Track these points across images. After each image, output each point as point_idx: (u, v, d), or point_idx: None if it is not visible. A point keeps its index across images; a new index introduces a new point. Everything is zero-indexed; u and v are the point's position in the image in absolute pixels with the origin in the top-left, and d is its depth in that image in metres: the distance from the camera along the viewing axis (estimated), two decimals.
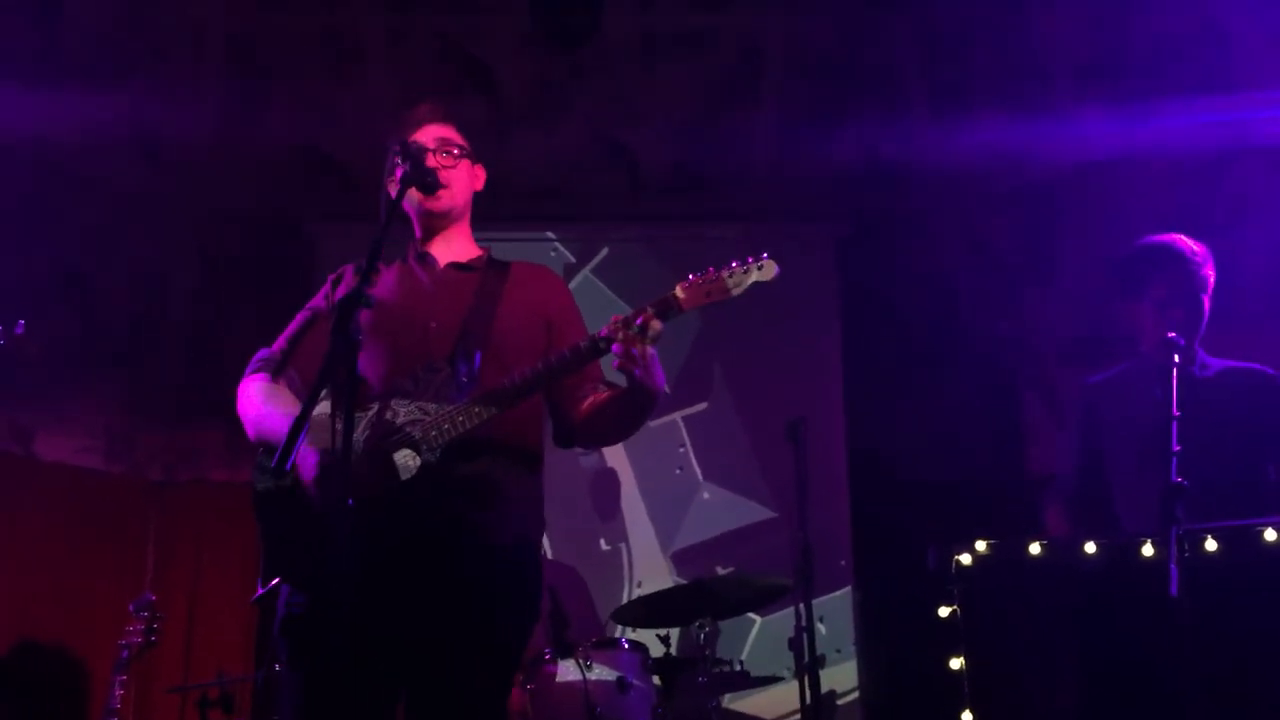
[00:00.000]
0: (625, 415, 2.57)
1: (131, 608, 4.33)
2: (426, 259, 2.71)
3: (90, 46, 5.38)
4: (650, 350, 2.37)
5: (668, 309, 2.40)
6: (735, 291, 2.40)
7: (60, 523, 5.54)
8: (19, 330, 2.92)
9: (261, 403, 2.55)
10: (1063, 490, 3.38)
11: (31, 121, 5.17)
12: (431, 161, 2.62)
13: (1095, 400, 3.37)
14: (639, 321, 2.35)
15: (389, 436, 2.39)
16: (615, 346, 2.35)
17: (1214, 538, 2.53)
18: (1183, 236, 3.31)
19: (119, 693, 4.20)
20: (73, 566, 5.49)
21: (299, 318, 2.72)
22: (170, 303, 6.11)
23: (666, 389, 2.55)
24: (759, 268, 2.41)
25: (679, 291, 2.41)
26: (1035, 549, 2.65)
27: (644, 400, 2.46)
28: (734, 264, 2.42)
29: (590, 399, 2.61)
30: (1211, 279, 3.25)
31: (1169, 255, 3.27)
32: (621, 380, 2.45)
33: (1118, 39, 5.39)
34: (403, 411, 2.41)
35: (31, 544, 5.42)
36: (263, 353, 2.68)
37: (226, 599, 5.60)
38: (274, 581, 2.49)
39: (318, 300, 2.73)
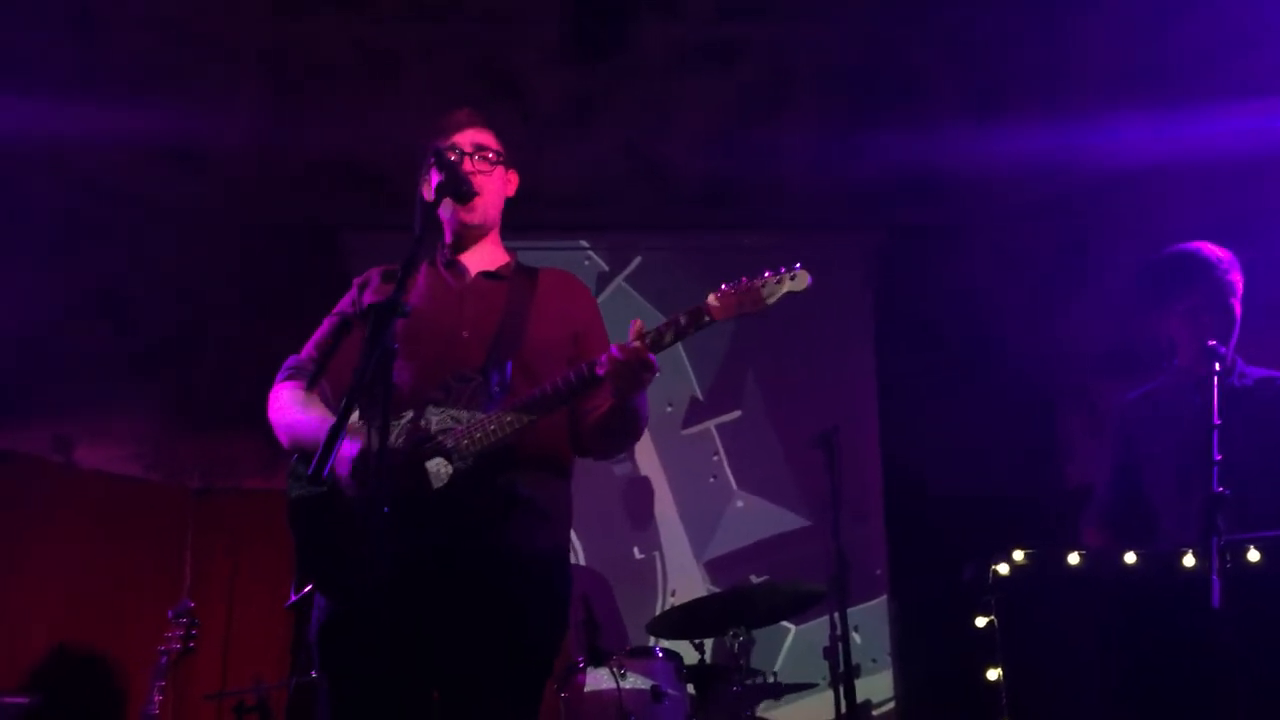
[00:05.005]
0: (618, 427, 2.60)
1: (170, 614, 4.36)
2: (456, 266, 2.72)
3: (129, 62, 5.45)
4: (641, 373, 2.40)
5: (700, 319, 2.41)
6: (769, 301, 2.40)
7: (101, 530, 5.61)
8: None
9: (296, 410, 2.57)
10: (1099, 510, 3.34)
11: (71, 136, 5.25)
12: (467, 166, 2.64)
13: (1132, 417, 3.33)
14: (625, 358, 2.37)
15: (422, 444, 2.40)
16: (607, 363, 2.39)
17: (1257, 548, 2.49)
18: (1206, 243, 3.26)
19: (157, 698, 4.23)
20: (113, 573, 5.56)
21: (326, 324, 2.73)
22: (207, 314, 6.18)
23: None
24: (791, 277, 2.40)
25: (712, 301, 2.41)
26: (1074, 559, 2.62)
27: (628, 412, 2.52)
28: (766, 274, 2.41)
29: (599, 410, 2.62)
30: (1239, 284, 3.20)
31: (1195, 263, 3.22)
32: None
33: (1153, 45, 5.34)
34: (435, 420, 2.43)
35: (73, 551, 5.49)
36: (292, 360, 2.69)
37: (262, 605, 5.65)
38: (307, 588, 2.51)
39: (344, 305, 2.74)
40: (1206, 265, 3.20)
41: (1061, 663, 2.62)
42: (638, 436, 2.71)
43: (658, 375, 2.44)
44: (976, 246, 6.09)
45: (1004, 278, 6.02)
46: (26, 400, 5.61)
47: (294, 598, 4.18)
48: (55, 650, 5.31)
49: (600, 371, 2.40)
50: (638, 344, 2.38)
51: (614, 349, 2.38)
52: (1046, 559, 2.64)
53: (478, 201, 2.67)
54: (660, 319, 2.43)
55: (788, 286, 2.40)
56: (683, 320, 2.41)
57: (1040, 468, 5.84)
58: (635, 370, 2.38)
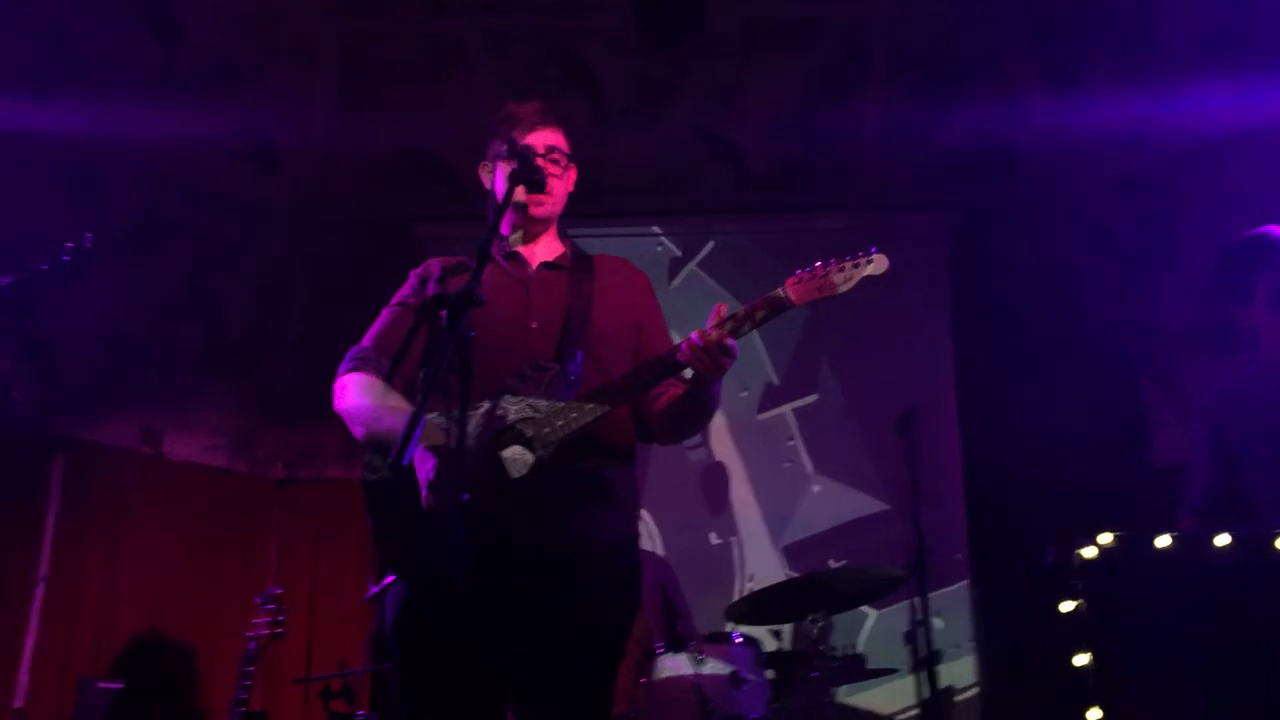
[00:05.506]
0: (689, 413, 2.59)
1: (258, 601, 4.45)
2: (517, 258, 2.74)
3: (207, 63, 5.57)
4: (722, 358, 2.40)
5: (777, 307, 2.39)
6: (844, 288, 2.38)
7: (189, 519, 5.75)
8: (87, 243, 2.94)
9: (371, 399, 2.56)
10: (1194, 503, 3.25)
11: (153, 135, 5.37)
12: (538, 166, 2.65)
13: (1223, 407, 3.23)
14: (706, 345, 2.37)
15: (501, 433, 2.42)
16: (687, 349, 2.39)
17: None
18: (1274, 226, 3.16)
19: (247, 683, 4.32)
20: (201, 561, 5.70)
21: (387, 314, 2.73)
22: (287, 307, 6.29)
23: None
24: (869, 262, 2.39)
25: (788, 289, 2.40)
26: (1163, 542, 2.56)
27: (706, 396, 2.51)
28: (843, 259, 2.39)
29: (668, 395, 2.62)
30: None
31: (1268, 244, 3.12)
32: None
33: (1238, 10, 5.17)
34: (513, 409, 2.43)
35: (161, 540, 5.64)
36: (355, 350, 2.68)
37: (344, 592, 5.75)
38: (389, 579, 2.53)
39: (405, 296, 2.74)
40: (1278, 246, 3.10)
41: (1151, 649, 2.55)
42: (707, 421, 2.71)
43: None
44: (1057, 222, 5.96)
45: (1085, 254, 5.90)
46: (116, 394, 5.77)
47: (374, 589, 4.25)
48: (145, 637, 5.46)
49: (681, 357, 2.41)
50: (718, 330, 2.38)
51: (695, 335, 2.39)
52: (1134, 542, 2.58)
53: (547, 199, 2.70)
54: (734, 304, 2.43)
55: (865, 271, 2.38)
56: (760, 312, 2.40)
57: (1125, 448, 5.71)
58: (716, 356, 2.39)
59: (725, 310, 2.43)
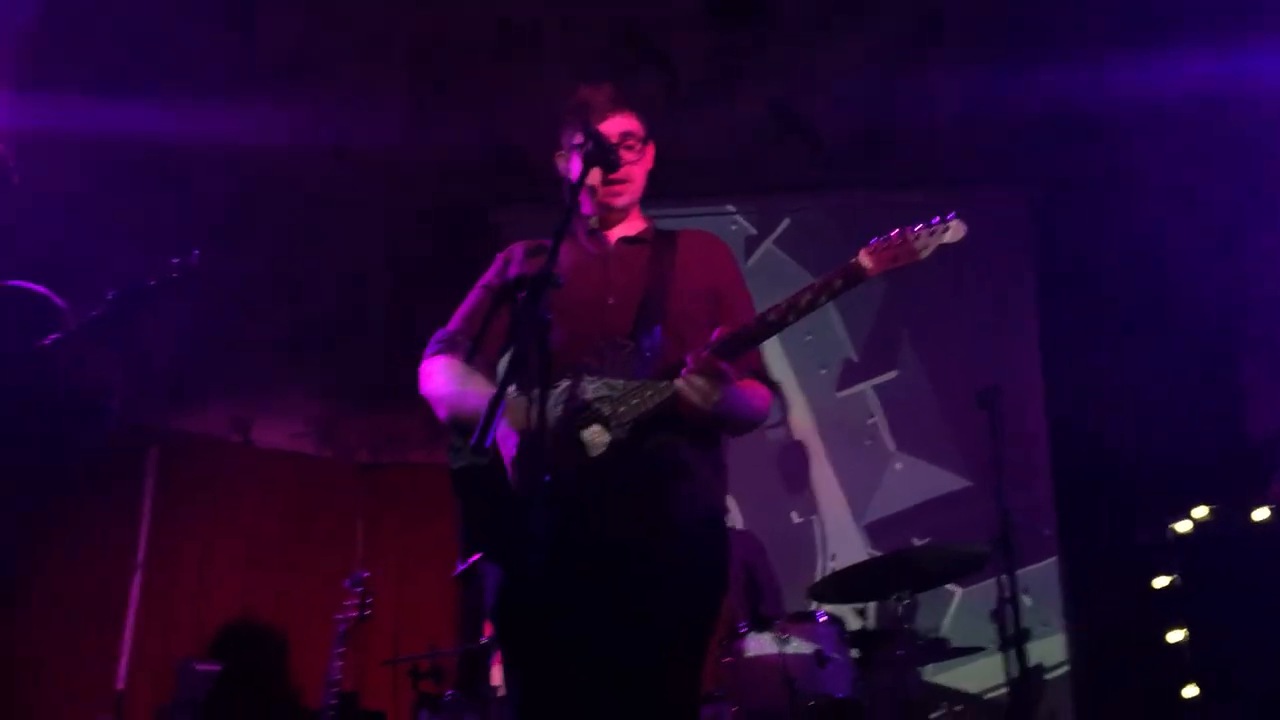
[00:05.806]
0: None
1: (346, 583, 4.54)
2: (597, 235, 2.74)
3: (283, 57, 5.66)
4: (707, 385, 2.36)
5: (854, 278, 2.36)
6: (923, 254, 2.35)
7: (277, 504, 5.89)
8: (194, 260, 3.00)
9: (454, 382, 2.59)
10: None
11: (236, 131, 5.47)
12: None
13: None
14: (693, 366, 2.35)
15: (579, 413, 2.41)
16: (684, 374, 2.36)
17: None
18: None
19: (338, 664, 4.41)
20: (290, 545, 5.83)
21: (473, 297, 2.76)
22: (369, 295, 6.39)
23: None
24: (945, 229, 2.34)
25: (864, 258, 2.37)
26: (1261, 514, 2.49)
27: (721, 421, 2.46)
28: (919, 226, 2.35)
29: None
30: None
31: None
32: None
33: None
34: (590, 388, 2.43)
35: (253, 525, 5.78)
36: (441, 333, 2.71)
37: (431, 575, 5.83)
38: (474, 557, 2.56)
39: (489, 279, 2.77)
40: None
41: (1251, 623, 2.49)
42: (748, 427, 2.65)
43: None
44: (1146, 189, 5.79)
45: (1176, 220, 5.71)
46: (205, 385, 5.91)
47: (460, 567, 4.31)
48: (239, 619, 5.61)
49: (679, 382, 2.38)
50: (700, 366, 2.35)
51: (689, 358, 2.36)
52: (1231, 515, 2.51)
53: (625, 188, 2.69)
54: (810, 280, 2.40)
55: (942, 238, 2.34)
56: (837, 282, 2.37)
57: (1219, 419, 5.55)
58: (701, 390, 2.35)
59: (699, 353, 2.38)
